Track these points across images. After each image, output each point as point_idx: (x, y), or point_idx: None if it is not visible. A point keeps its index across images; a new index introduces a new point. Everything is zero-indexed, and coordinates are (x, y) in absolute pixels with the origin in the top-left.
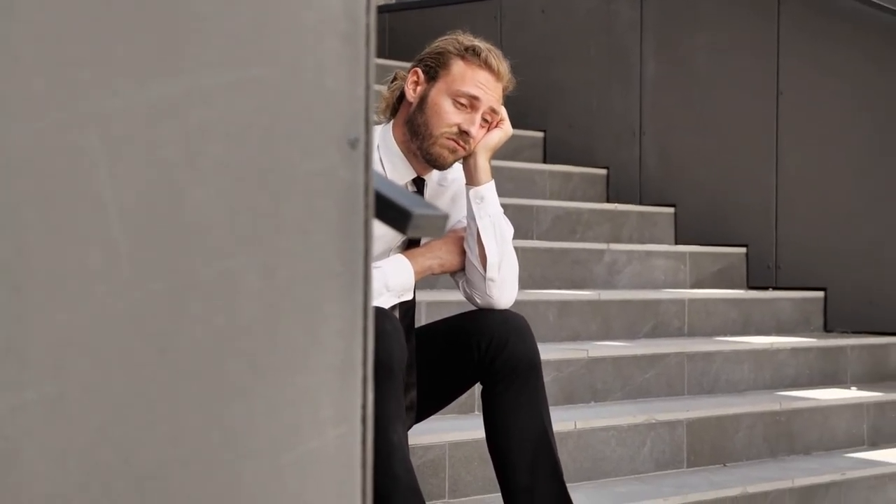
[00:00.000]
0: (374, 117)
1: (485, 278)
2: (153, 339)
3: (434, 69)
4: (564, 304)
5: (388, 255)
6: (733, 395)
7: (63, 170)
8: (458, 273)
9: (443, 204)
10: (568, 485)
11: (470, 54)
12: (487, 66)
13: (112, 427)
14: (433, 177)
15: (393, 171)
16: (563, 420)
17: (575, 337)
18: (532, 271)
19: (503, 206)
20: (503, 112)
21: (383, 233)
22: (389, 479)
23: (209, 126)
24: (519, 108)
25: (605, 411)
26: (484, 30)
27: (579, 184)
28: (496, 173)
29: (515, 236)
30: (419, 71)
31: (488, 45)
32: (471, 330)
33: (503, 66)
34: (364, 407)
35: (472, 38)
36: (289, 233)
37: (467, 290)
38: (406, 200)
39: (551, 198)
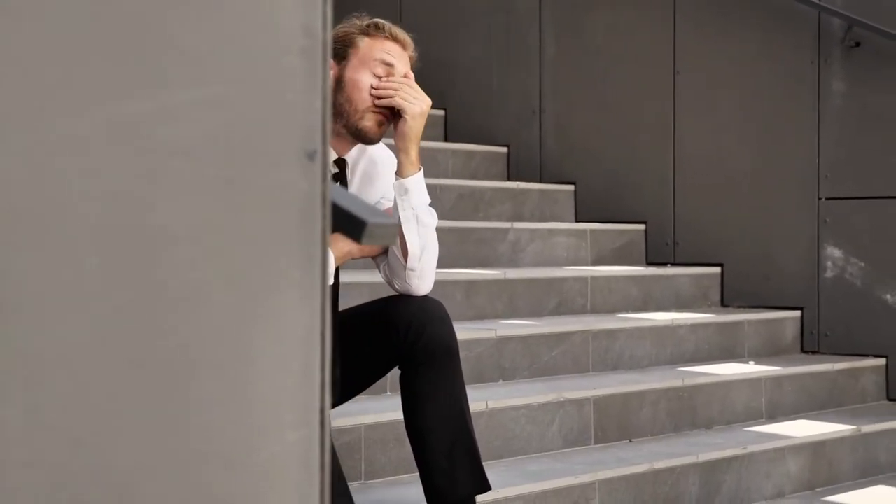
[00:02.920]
0: None
1: (405, 268)
2: (121, 349)
3: (342, 51)
4: (471, 284)
5: None
6: (637, 372)
7: (31, 188)
8: (380, 257)
9: (361, 181)
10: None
11: (373, 29)
12: (393, 37)
13: (85, 438)
14: (352, 155)
15: None
16: (475, 400)
17: (482, 316)
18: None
19: None
20: (398, 100)
21: None
22: None
23: (176, 143)
24: (419, 84)
25: (514, 390)
26: (383, 6)
27: (481, 162)
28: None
29: None
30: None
31: (387, 22)
32: (391, 315)
33: (407, 38)
34: (322, 410)
35: (368, 17)
36: (252, 244)
37: (387, 274)
38: (360, 210)
39: (453, 176)
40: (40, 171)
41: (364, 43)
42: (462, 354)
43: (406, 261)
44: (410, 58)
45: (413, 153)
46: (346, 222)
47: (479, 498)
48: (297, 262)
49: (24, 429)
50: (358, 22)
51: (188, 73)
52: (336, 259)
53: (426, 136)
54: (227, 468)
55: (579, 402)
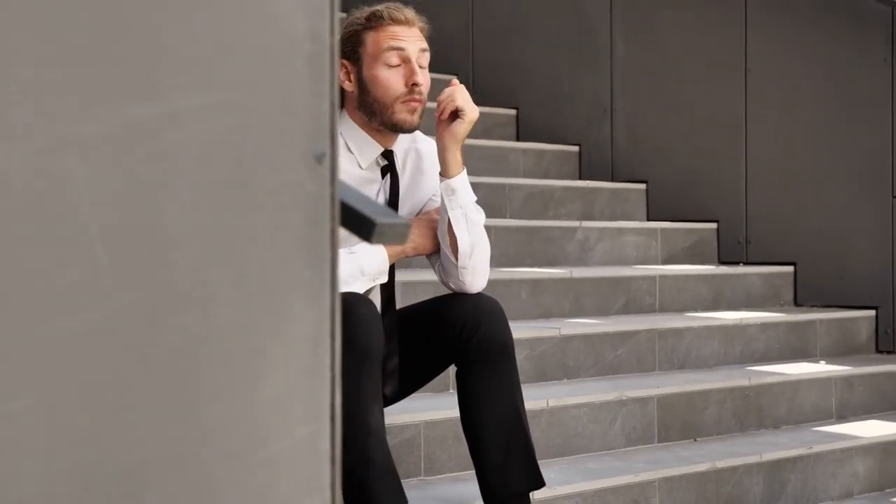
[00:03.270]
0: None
1: (457, 266)
2: (132, 347)
3: (353, 52)
4: (537, 283)
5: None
6: (703, 371)
7: (45, 191)
8: (434, 256)
9: (407, 172)
10: (541, 461)
11: (374, 20)
12: (393, 20)
13: (94, 431)
14: (401, 145)
15: (360, 151)
16: (536, 398)
17: (547, 315)
18: (505, 249)
19: (475, 185)
20: (461, 100)
21: None
22: (366, 461)
23: (183, 146)
24: (491, 85)
25: (577, 388)
26: (455, 8)
27: (552, 161)
28: (468, 151)
29: (488, 215)
30: (344, 62)
31: (386, 5)
32: (446, 313)
33: (408, 13)
34: (332, 406)
35: (366, 9)
36: (259, 244)
37: (441, 273)
38: (370, 210)
39: (524, 176)
40: (51, 174)
41: (370, 37)
42: (525, 353)
43: (457, 259)
44: (421, 29)
45: (458, 153)
46: (357, 222)
47: (537, 495)
48: (305, 261)
49: (34, 422)
50: (356, 19)
51: (196, 79)
52: (389, 257)
53: (498, 135)
54: (235, 461)
55: (642, 401)
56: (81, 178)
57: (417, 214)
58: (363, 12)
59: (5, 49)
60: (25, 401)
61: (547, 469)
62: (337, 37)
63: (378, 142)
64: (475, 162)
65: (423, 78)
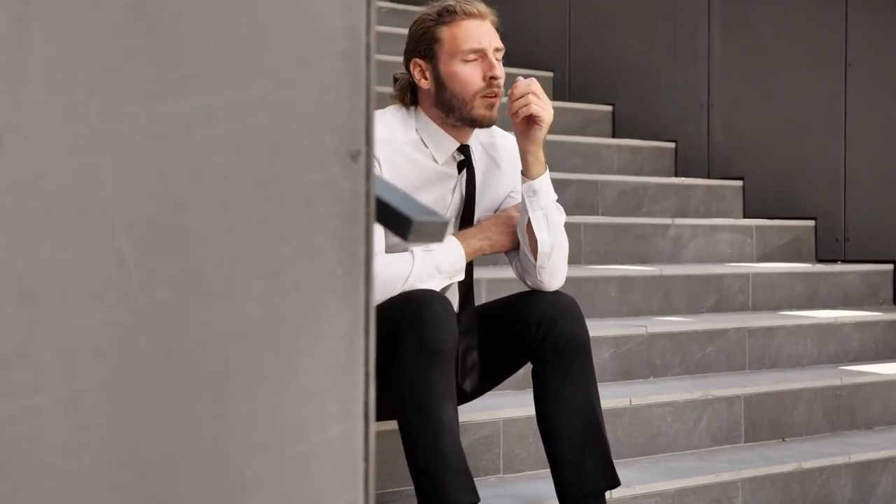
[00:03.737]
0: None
1: (535, 265)
2: (160, 342)
3: (428, 49)
4: (626, 280)
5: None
6: (795, 370)
7: (72, 187)
8: (512, 252)
9: (482, 166)
10: (622, 460)
11: (447, 15)
12: (467, 14)
13: (121, 425)
14: (477, 140)
15: (436, 147)
16: (619, 396)
17: (637, 313)
18: (595, 247)
19: (567, 181)
20: (536, 108)
21: None
22: (438, 458)
23: (213, 143)
24: (588, 82)
25: (661, 387)
26: (552, 5)
27: (647, 158)
28: (562, 148)
29: (579, 212)
30: (418, 61)
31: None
32: (522, 310)
33: (480, 6)
34: (366, 403)
35: (436, 3)
36: (291, 240)
37: (519, 270)
38: (407, 207)
39: (619, 172)
40: (80, 169)
41: (445, 33)
42: (610, 351)
43: (536, 259)
44: (492, 22)
45: (539, 154)
46: (394, 220)
47: (615, 493)
48: (338, 258)
49: (59, 417)
50: (429, 15)
51: (229, 76)
52: (467, 255)
53: (593, 131)
54: (267, 457)
55: (728, 400)
56: (109, 174)
57: (496, 211)
58: (433, 7)
59: (36, 48)
60: (51, 396)
61: (628, 468)
62: (373, 35)
63: (454, 137)
64: (568, 158)
65: (500, 71)
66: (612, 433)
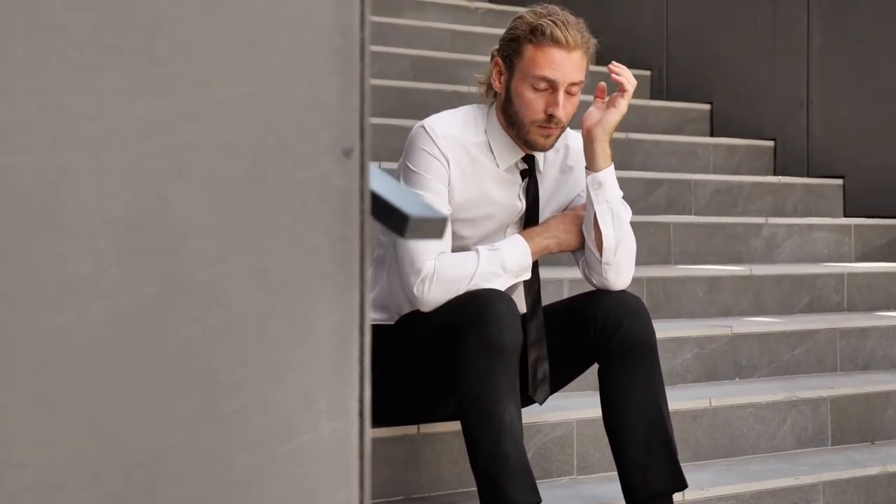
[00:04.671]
0: (478, 92)
1: (601, 262)
2: (141, 339)
3: (509, 58)
4: (714, 280)
5: (505, 233)
6: (889, 372)
7: (49, 184)
8: (578, 251)
9: (553, 173)
10: (701, 462)
11: (537, 35)
12: (555, 41)
13: (99, 421)
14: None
15: (500, 153)
16: (700, 397)
17: (726, 313)
18: (685, 246)
19: (660, 180)
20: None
21: (492, 212)
22: (499, 457)
23: (197, 141)
24: (685, 80)
25: (745, 388)
26: (649, 3)
27: (744, 157)
28: (657, 147)
29: (672, 211)
30: (500, 61)
31: (554, 18)
32: (587, 310)
33: (572, 35)
34: (361, 401)
35: (539, 13)
36: (280, 237)
37: (585, 269)
38: (404, 203)
39: (715, 171)
40: (57, 166)
41: (528, 52)
42: (693, 351)
43: (601, 255)
44: (584, 52)
45: (607, 146)
46: (390, 216)
47: (689, 496)
48: (330, 256)
49: (35, 413)
50: (527, 21)
51: (215, 74)
52: (532, 254)
53: (690, 130)
54: (255, 454)
55: (814, 402)
56: (87, 171)
57: (563, 210)
58: (531, 16)
59: (15, 46)
60: (25, 391)
61: (705, 470)
62: (367, 31)
63: (519, 147)
64: (663, 157)
65: (565, 110)
66: (692, 435)
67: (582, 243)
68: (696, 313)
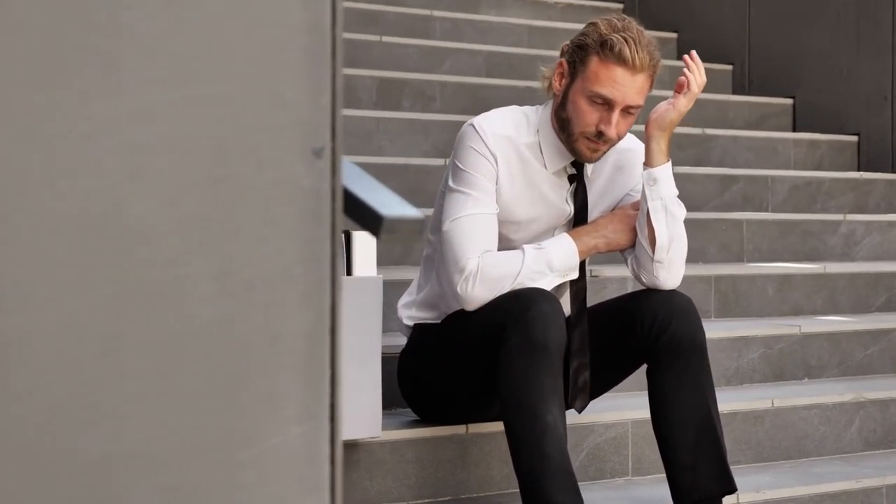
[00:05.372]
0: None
1: (652, 259)
2: (95, 341)
3: (573, 64)
4: (785, 278)
5: (553, 235)
6: None
7: (2, 186)
8: (628, 250)
9: (604, 174)
10: (762, 463)
11: (605, 50)
12: (622, 61)
13: (53, 425)
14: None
15: (549, 156)
16: (763, 398)
17: (798, 312)
18: (758, 244)
19: (734, 177)
20: (692, 87)
21: (539, 214)
22: (541, 458)
23: (155, 141)
24: (767, 74)
25: (810, 389)
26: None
27: (826, 152)
28: (734, 143)
29: (748, 208)
30: (564, 64)
31: (627, 34)
32: (635, 310)
33: (640, 57)
34: (332, 406)
35: (614, 25)
36: (244, 240)
37: (635, 268)
38: (379, 202)
39: (796, 167)
40: (9, 168)
41: (593, 65)
42: (760, 351)
43: (654, 252)
44: (649, 76)
45: (665, 143)
46: (364, 216)
47: (744, 499)
48: (297, 258)
49: None
50: (599, 31)
51: (168, 74)
52: (580, 253)
53: (771, 125)
54: (214, 459)
55: (884, 403)
56: (39, 172)
57: (613, 209)
58: (605, 27)
59: None
60: None
61: (765, 472)
62: (340, 28)
63: (569, 152)
64: (740, 153)
65: (618, 128)
66: (753, 436)
67: (631, 242)
68: (766, 312)
